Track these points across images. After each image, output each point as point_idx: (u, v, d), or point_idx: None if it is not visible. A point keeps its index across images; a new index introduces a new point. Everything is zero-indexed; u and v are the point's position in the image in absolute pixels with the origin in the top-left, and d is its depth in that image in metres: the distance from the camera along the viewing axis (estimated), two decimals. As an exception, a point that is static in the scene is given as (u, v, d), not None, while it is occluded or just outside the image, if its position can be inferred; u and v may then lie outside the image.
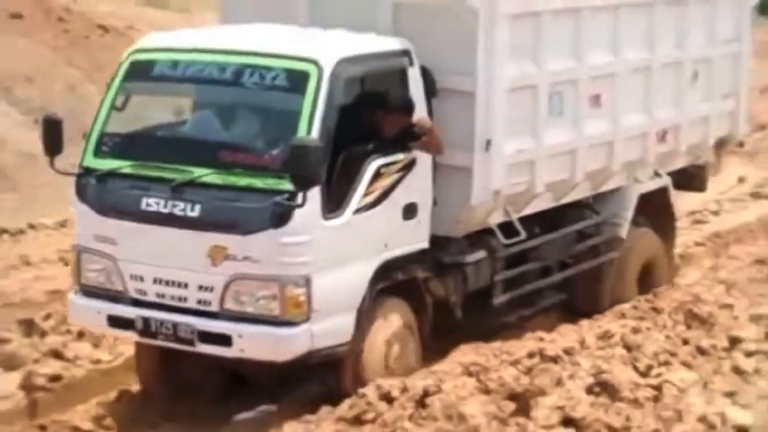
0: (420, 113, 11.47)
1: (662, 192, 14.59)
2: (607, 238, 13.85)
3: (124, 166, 11.05)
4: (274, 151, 10.66)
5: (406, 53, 11.51)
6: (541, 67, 12.41)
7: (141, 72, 11.34)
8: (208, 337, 10.74)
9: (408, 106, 11.37)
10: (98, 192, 11.11)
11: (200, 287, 10.74)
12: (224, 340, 10.69)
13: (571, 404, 9.56)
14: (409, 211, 11.47)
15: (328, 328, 10.77)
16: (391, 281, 11.37)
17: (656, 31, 13.83)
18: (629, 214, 13.99)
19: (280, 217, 10.46)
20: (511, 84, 12.02)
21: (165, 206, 10.74)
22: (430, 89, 11.67)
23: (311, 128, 10.56)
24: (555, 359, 10.61)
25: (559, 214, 13.35)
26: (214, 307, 10.72)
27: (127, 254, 10.99)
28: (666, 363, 10.59)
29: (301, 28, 11.75)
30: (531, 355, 10.68)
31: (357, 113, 11.20)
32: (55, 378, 12.13)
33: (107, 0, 26.22)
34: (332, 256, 10.74)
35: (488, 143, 11.80)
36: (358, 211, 10.94)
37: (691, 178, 15.28)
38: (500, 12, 11.81)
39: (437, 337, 12.05)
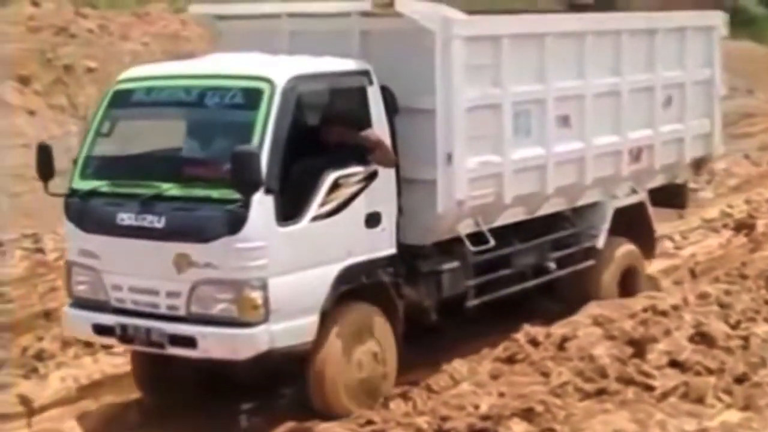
0: (378, 128, 10.00)
1: (639, 207, 12.91)
2: (584, 248, 12.18)
3: (102, 185, 9.74)
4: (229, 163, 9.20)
5: (364, 73, 10.07)
6: (503, 88, 10.84)
7: (122, 100, 10.09)
8: (176, 340, 9.42)
9: (351, 121, 9.90)
10: (81, 210, 9.90)
11: (168, 293, 9.43)
12: (190, 342, 9.35)
13: (677, 350, 9.94)
14: (372, 219, 9.99)
15: (289, 328, 9.35)
16: (355, 285, 9.87)
17: (624, 58, 12.22)
18: (605, 226, 12.36)
19: (234, 224, 9.12)
20: (471, 103, 10.50)
21: (136, 219, 9.48)
22: (391, 107, 10.20)
23: (263, 139, 9.22)
24: (664, 313, 10.86)
25: (538, 225, 11.72)
26: (181, 312, 9.39)
27: (108, 266, 9.74)
28: (751, 319, 10.79)
29: (268, 55, 10.28)
30: (645, 310, 10.94)
31: (312, 127, 9.76)
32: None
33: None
34: (291, 261, 9.34)
35: (449, 157, 10.30)
36: (315, 218, 9.51)
37: (671, 196, 13.54)
38: (455, 34, 10.28)
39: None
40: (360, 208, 9.84)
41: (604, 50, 11.93)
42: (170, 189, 9.36)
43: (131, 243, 9.48)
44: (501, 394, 9.44)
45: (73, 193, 9.90)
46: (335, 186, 9.62)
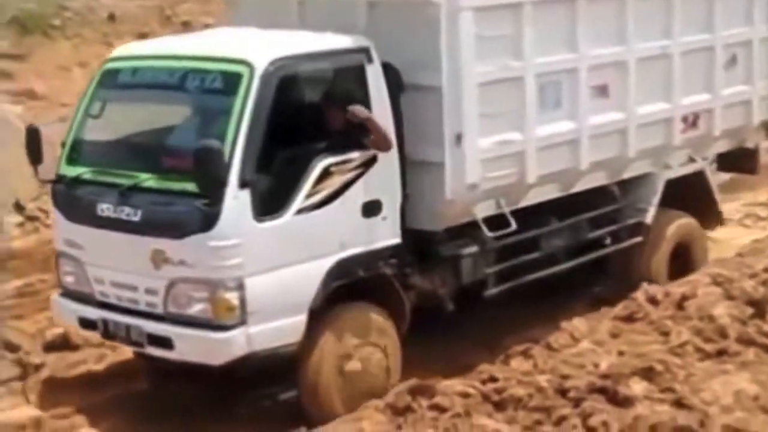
0: (378, 110, 9.21)
1: (697, 176, 11.85)
2: (631, 224, 11.23)
3: (86, 172, 9.18)
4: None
5: (363, 51, 9.25)
6: (524, 60, 9.89)
7: (110, 80, 9.50)
8: (154, 340, 8.88)
9: (346, 104, 9.11)
10: (66, 198, 9.39)
11: (147, 290, 8.89)
12: (167, 343, 8.80)
13: (798, 310, 9.64)
14: (371, 208, 9.23)
15: (271, 330, 8.71)
16: (351, 280, 9.16)
17: (675, 17, 11.09)
18: (655, 199, 11.38)
19: (207, 220, 8.49)
20: (484, 78, 9.60)
21: (114, 211, 8.92)
22: (396, 86, 9.39)
23: (239, 129, 8.53)
24: (785, 273, 10.48)
25: (577, 201, 10.80)
26: (159, 310, 8.84)
27: (91, 258, 9.24)
28: None
29: (261, 32, 9.55)
30: (766, 270, 10.52)
31: (300, 112, 9.02)
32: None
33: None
34: (271, 258, 8.67)
35: (458, 138, 9.46)
36: (300, 211, 8.79)
37: (740, 161, 12.42)
38: (463, 5, 9.38)
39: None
40: (356, 196, 9.10)
41: (650, 10, 10.85)
42: (147, 180, 8.77)
43: (111, 235, 8.94)
44: (620, 353, 9.16)
45: (59, 179, 9.39)
46: (326, 174, 8.88)
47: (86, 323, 9.32)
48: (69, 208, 9.30)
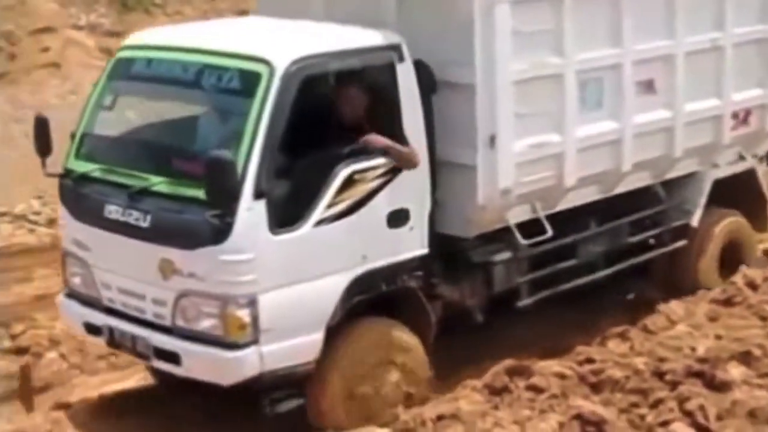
0: (409, 112, 8.58)
1: (748, 175, 11.16)
2: (675, 226, 10.58)
3: (95, 169, 8.61)
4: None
5: (393, 48, 8.57)
6: (565, 56, 9.21)
7: (123, 70, 8.89)
8: (161, 354, 8.31)
9: (375, 107, 8.55)
10: (74, 195, 8.81)
11: (154, 301, 8.32)
12: (175, 358, 8.24)
13: None
14: (398, 218, 8.60)
15: (286, 349, 8.13)
16: (373, 294, 8.55)
17: (728, 7, 10.38)
18: (702, 200, 10.74)
19: (218, 232, 7.88)
20: (521, 75, 8.94)
21: (123, 214, 8.34)
22: (428, 85, 8.74)
23: (256, 135, 7.91)
24: None
25: (619, 203, 10.15)
26: (167, 322, 8.27)
27: (98, 261, 8.69)
28: None
29: (286, 24, 8.91)
30: None
31: (323, 116, 8.41)
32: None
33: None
34: (288, 273, 8.07)
35: (492, 139, 8.81)
36: (320, 222, 8.17)
37: None
38: (499, -1, 8.68)
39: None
40: (381, 205, 8.47)
41: (700, 1, 10.12)
42: (158, 183, 8.18)
43: (118, 239, 8.37)
44: (718, 337, 9.02)
45: (67, 173, 8.81)
46: (349, 183, 8.26)
47: (92, 329, 8.78)
48: (76, 206, 8.74)
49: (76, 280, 8.88)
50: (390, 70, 8.54)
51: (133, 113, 8.84)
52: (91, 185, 8.61)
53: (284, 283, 8.02)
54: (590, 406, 7.98)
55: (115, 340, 8.61)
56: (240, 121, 7.96)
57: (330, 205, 8.18)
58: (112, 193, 8.40)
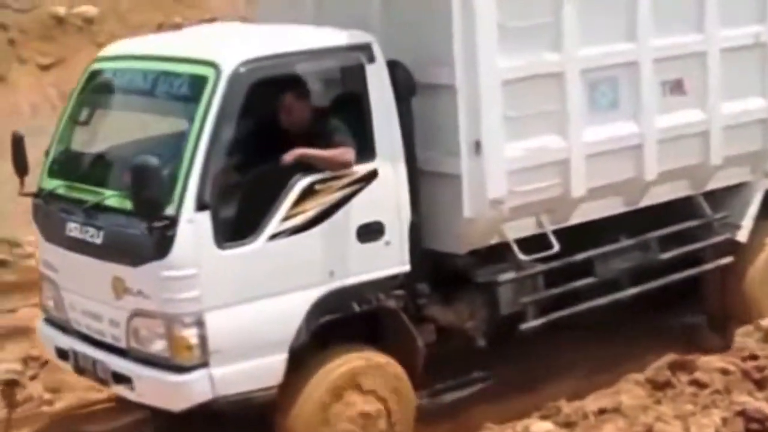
0: (381, 116, 7.94)
1: (807, 185, 10.07)
2: (719, 242, 9.63)
3: (59, 186, 8.23)
4: (167, 170, 7.45)
5: (361, 48, 7.95)
6: (565, 52, 8.42)
7: (95, 83, 8.51)
8: (118, 378, 7.80)
9: (344, 106, 7.93)
10: (42, 214, 8.43)
11: (110, 322, 7.85)
12: (129, 381, 7.71)
13: None
14: (369, 231, 7.93)
15: (240, 372, 7.53)
16: (343, 315, 7.89)
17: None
18: (752, 212, 9.75)
19: (160, 247, 7.35)
20: (511, 74, 8.18)
21: (80, 231, 7.90)
22: (405, 88, 8.09)
23: (198, 142, 7.36)
24: None
25: (652, 216, 9.28)
26: (123, 345, 7.77)
27: (64, 282, 8.27)
28: None
29: (255, 26, 8.49)
30: None
31: (280, 121, 7.83)
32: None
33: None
34: (239, 290, 7.50)
35: (477, 145, 8.08)
36: (276, 236, 7.56)
37: None
38: (479, -7, 7.98)
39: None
40: (348, 218, 7.82)
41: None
42: (109, 198, 7.73)
43: (78, 258, 7.95)
44: None
45: (39, 192, 8.46)
46: (309, 193, 7.65)
47: (61, 353, 8.38)
48: (45, 226, 8.38)
49: (50, 303, 8.50)
50: (358, 71, 7.92)
51: (99, 126, 8.40)
52: (57, 203, 8.23)
53: (235, 300, 7.45)
54: (754, 402, 7.93)
55: (79, 366, 8.17)
56: (185, 129, 7.46)
57: (286, 218, 7.58)
58: (73, 211, 7.99)
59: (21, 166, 8.42)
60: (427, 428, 8.50)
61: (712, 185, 9.52)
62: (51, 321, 8.52)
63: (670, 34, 8.91)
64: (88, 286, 7.95)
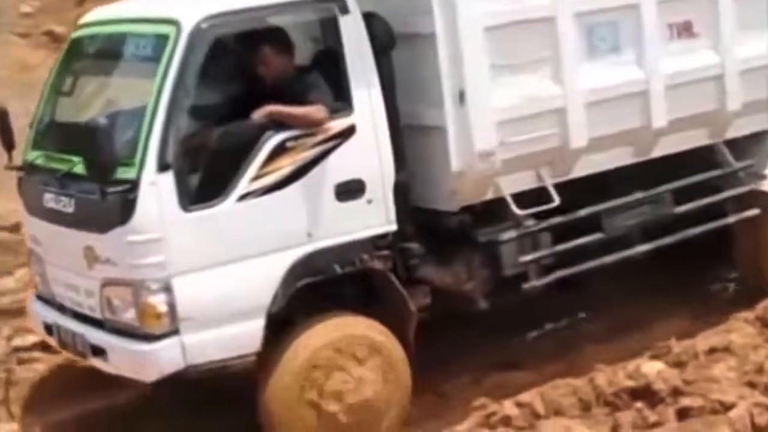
0: (357, 71, 7.56)
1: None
2: (742, 193, 9.07)
3: (38, 156, 8.01)
4: (129, 132, 7.17)
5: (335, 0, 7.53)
6: (555, -4, 7.95)
7: (75, 51, 8.27)
8: (95, 350, 7.54)
9: (317, 61, 7.51)
10: (24, 187, 8.23)
11: (86, 292, 7.60)
12: (103, 353, 7.44)
13: None
14: (349, 190, 7.56)
15: (214, 339, 7.22)
16: (325, 277, 7.53)
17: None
18: None
19: (123, 211, 7.07)
20: (494, 20, 7.71)
21: (55, 202, 7.66)
22: (384, 40, 7.70)
23: (158, 102, 7.08)
24: None
25: (672, 165, 8.78)
26: (98, 315, 7.51)
27: (47, 255, 8.03)
28: None
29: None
30: None
31: (249, 79, 7.56)
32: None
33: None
34: (208, 253, 7.18)
35: (461, 95, 7.66)
36: (245, 197, 7.23)
37: None
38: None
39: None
40: (324, 176, 7.45)
41: None
42: (77, 165, 7.45)
43: (55, 229, 7.72)
44: None
45: (23, 165, 8.24)
46: (280, 151, 7.30)
47: (48, 329, 8.15)
48: (27, 199, 8.17)
49: (38, 278, 8.30)
50: (331, 24, 7.55)
51: (77, 94, 8.14)
52: (37, 175, 8.00)
53: (205, 265, 7.13)
54: None
55: (62, 340, 7.93)
56: (146, 90, 7.17)
57: (256, 177, 7.24)
58: (50, 181, 7.77)
59: (7, 140, 8.22)
60: (539, 370, 8.55)
61: (732, 133, 8.97)
62: (40, 296, 8.31)
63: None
64: (65, 258, 7.71)
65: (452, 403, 8.37)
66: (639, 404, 7.88)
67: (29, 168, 8.06)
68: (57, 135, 8.03)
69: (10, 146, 8.23)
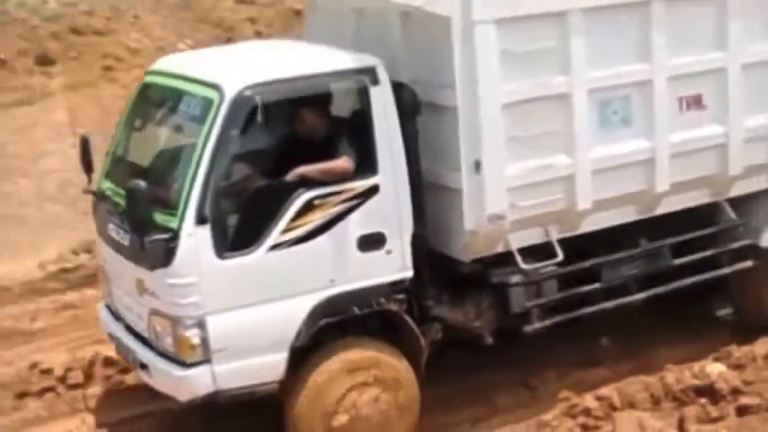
0: (385, 136, 8.45)
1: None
2: (738, 247, 9.86)
3: (108, 188, 9.09)
4: (174, 186, 8.23)
5: (367, 71, 8.46)
6: (573, 75, 8.71)
7: (144, 94, 9.29)
8: (143, 365, 8.69)
9: (347, 127, 8.47)
10: (96, 211, 9.35)
11: (138, 315, 8.71)
12: (148, 369, 8.59)
13: None
14: (370, 242, 8.50)
15: (243, 368, 8.26)
16: (343, 317, 8.51)
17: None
18: None
19: (165, 256, 8.12)
20: (512, 97, 8.53)
21: (116, 232, 8.74)
22: (411, 107, 8.59)
23: (201, 162, 8.05)
24: None
25: (676, 220, 9.59)
26: (147, 336, 8.62)
27: (111, 275, 9.18)
28: None
29: (277, 47, 9.10)
30: None
31: (284, 142, 8.49)
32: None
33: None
34: (239, 296, 8.17)
35: (477, 165, 8.51)
36: (276, 247, 8.21)
37: None
38: (479, 18, 8.35)
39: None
40: (348, 230, 8.39)
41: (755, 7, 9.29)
42: None
43: (116, 256, 8.82)
44: None
45: (96, 192, 9.33)
46: (309, 208, 8.26)
47: (110, 336, 9.30)
48: (97, 222, 9.27)
49: (106, 294, 9.41)
50: (363, 93, 8.45)
51: (141, 136, 9.15)
52: (105, 203, 9.07)
53: (236, 305, 8.14)
54: None
55: (119, 349, 9.07)
56: (192, 147, 8.16)
57: (286, 230, 8.21)
58: (113, 212, 8.82)
59: (87, 166, 9.27)
60: (616, 369, 9.81)
61: (734, 192, 9.69)
62: (107, 306, 9.44)
63: (687, 53, 9.08)
64: (123, 282, 8.81)
65: (540, 395, 9.64)
66: (703, 401, 8.95)
67: (100, 195, 9.14)
68: (122, 171, 9.08)
69: (89, 171, 9.30)
